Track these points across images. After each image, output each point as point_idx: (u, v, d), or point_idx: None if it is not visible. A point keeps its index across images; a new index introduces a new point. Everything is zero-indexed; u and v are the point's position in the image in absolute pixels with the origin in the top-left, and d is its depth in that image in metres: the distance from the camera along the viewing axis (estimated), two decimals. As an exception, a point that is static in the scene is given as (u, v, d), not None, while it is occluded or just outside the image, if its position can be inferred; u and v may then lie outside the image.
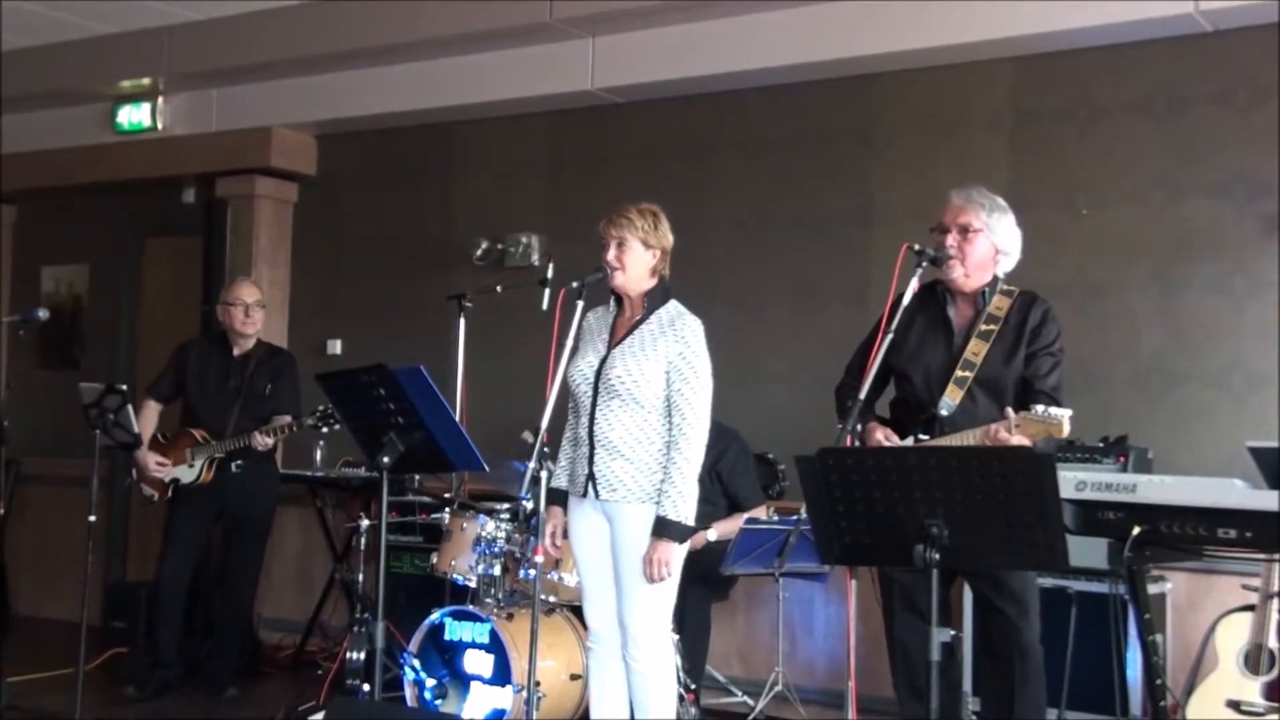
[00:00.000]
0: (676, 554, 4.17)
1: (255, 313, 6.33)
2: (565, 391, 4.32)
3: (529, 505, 5.12)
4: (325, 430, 6.02)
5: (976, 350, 4.18)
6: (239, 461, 6.17)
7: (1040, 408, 3.91)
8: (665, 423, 4.25)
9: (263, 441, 6.06)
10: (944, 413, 4.14)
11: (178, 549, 6.28)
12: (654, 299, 4.33)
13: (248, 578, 6.44)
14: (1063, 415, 3.86)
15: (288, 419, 6.13)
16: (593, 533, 4.32)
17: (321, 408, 5.93)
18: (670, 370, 4.22)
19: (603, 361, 4.29)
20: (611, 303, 4.43)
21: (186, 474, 6.19)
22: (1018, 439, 3.94)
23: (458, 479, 6.26)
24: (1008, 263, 4.31)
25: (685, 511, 4.16)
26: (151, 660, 6.29)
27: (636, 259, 4.29)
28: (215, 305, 6.72)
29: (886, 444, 4.16)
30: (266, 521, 6.49)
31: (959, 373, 4.16)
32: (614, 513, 4.24)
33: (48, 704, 5.66)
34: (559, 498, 4.40)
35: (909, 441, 4.17)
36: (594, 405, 4.27)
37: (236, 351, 6.35)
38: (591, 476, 4.25)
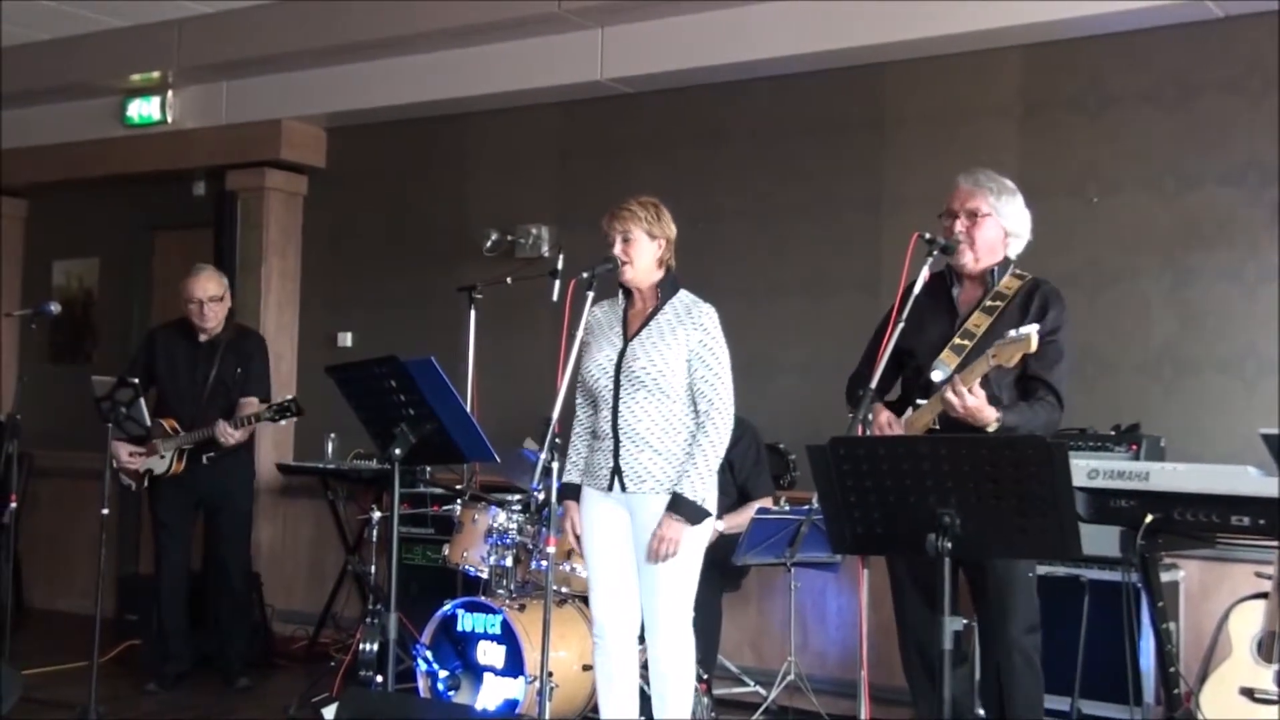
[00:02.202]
0: (688, 536, 4.17)
1: (210, 308, 6.19)
2: (574, 384, 4.32)
3: (540, 496, 5.14)
4: (282, 423, 6.00)
5: (979, 322, 4.16)
6: (210, 453, 6.13)
7: (1012, 332, 3.87)
8: (690, 411, 4.26)
9: (225, 432, 5.98)
10: (936, 376, 4.09)
11: (169, 542, 6.29)
12: (666, 289, 4.35)
13: (238, 567, 6.42)
14: (1029, 330, 3.82)
15: (251, 410, 6.05)
16: (610, 525, 4.32)
17: (279, 401, 5.91)
18: (692, 357, 4.23)
19: (621, 354, 4.29)
20: (620, 296, 4.43)
21: (158, 465, 6.16)
22: (975, 399, 3.90)
23: (469, 470, 6.27)
24: (1018, 244, 4.30)
25: (703, 494, 4.17)
26: (161, 653, 6.31)
27: (644, 250, 4.30)
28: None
29: (889, 427, 4.13)
30: (246, 510, 6.47)
31: (957, 340, 4.14)
32: (639, 504, 4.24)
33: (62, 696, 5.68)
34: (573, 492, 4.40)
35: (908, 412, 4.15)
36: (616, 398, 4.27)
37: (203, 338, 6.26)
38: (617, 469, 4.25)
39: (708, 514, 4.22)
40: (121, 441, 6.08)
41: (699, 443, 4.21)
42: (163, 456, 6.14)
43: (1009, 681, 4.12)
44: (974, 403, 3.92)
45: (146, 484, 6.24)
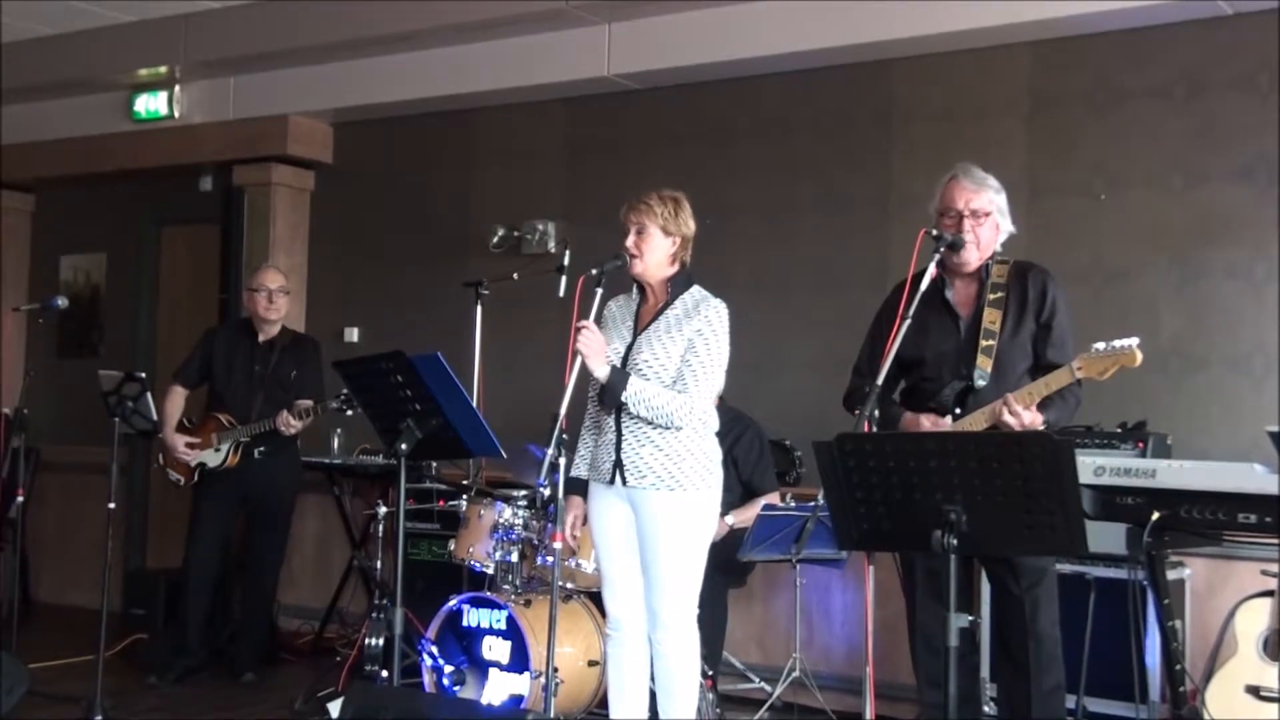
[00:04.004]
0: (596, 362, 4.16)
1: (279, 299, 6.36)
2: (584, 379, 4.32)
3: (546, 492, 5.14)
4: (350, 413, 6.03)
5: (993, 319, 4.19)
6: (262, 448, 6.20)
7: (1102, 344, 3.89)
8: None
9: (287, 421, 6.04)
10: (980, 383, 4.14)
11: (204, 536, 6.32)
12: (677, 285, 4.33)
13: (270, 565, 6.47)
14: (1131, 343, 3.85)
15: (309, 402, 6.12)
16: (616, 520, 4.31)
17: (343, 393, 5.94)
18: (686, 346, 4.22)
19: (629, 348, 4.29)
20: (634, 290, 4.42)
21: (212, 458, 6.22)
22: (1031, 415, 3.93)
23: (475, 466, 6.27)
24: (1003, 236, 4.34)
25: (633, 389, 4.14)
26: (176, 646, 6.33)
27: (655, 246, 4.28)
28: (234, 293, 6.74)
29: (935, 429, 4.14)
30: (288, 509, 6.51)
31: (984, 342, 4.17)
32: (641, 499, 4.23)
33: (69, 690, 5.69)
34: (579, 486, 4.40)
35: (947, 420, 4.15)
36: None
37: (261, 338, 6.39)
38: (619, 463, 4.25)
39: (618, 395, 4.16)
40: (178, 434, 6.24)
41: (669, 392, 4.17)
42: (218, 449, 6.22)
43: (1038, 672, 4.15)
44: (1030, 419, 3.98)
45: (196, 478, 6.29)
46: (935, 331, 4.27)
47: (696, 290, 4.34)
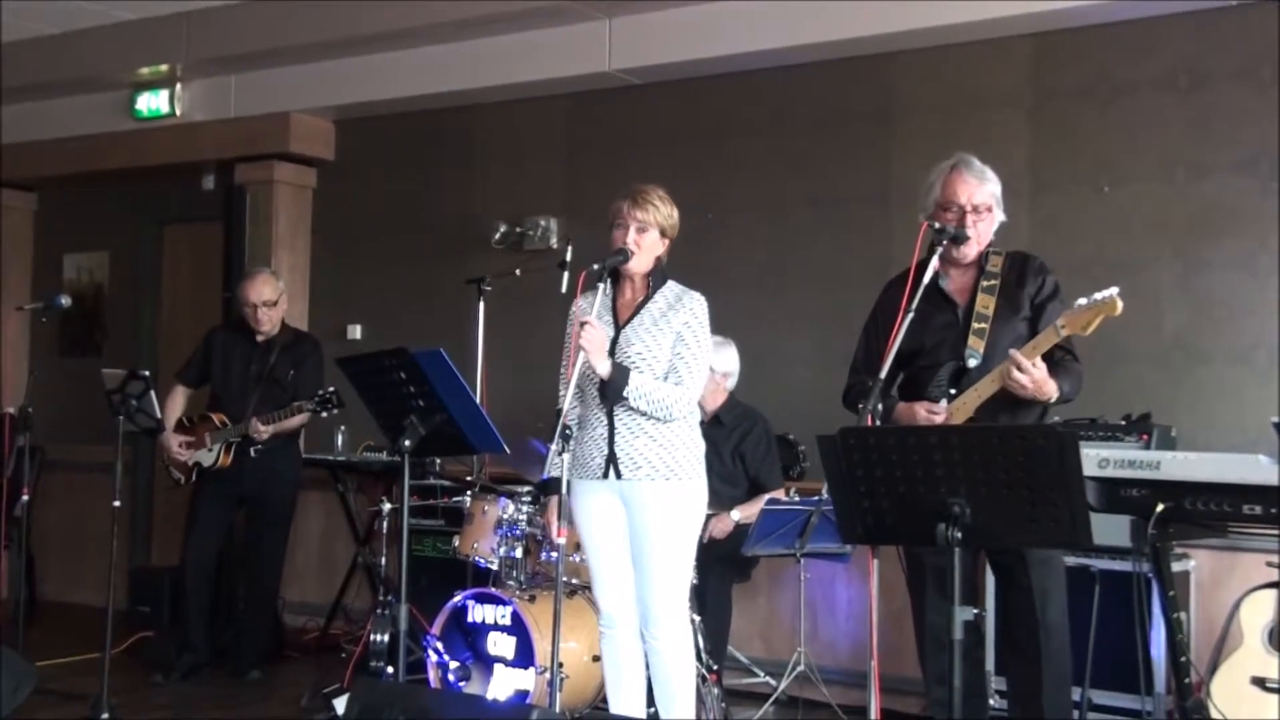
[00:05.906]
0: (599, 358, 4.14)
1: (265, 312, 6.30)
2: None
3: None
4: (324, 415, 6.03)
5: (985, 304, 4.21)
6: (258, 446, 6.20)
7: (1084, 299, 3.91)
8: None
9: (256, 429, 6.06)
10: (972, 363, 4.15)
11: (200, 534, 6.33)
12: (656, 279, 4.36)
13: (271, 562, 6.47)
14: (1111, 292, 3.87)
15: (303, 402, 6.11)
16: (605, 515, 4.31)
17: (321, 392, 5.96)
18: (675, 339, 4.24)
19: (614, 341, 4.29)
20: (608, 285, 4.35)
21: (206, 458, 6.23)
22: (1040, 370, 3.95)
23: (479, 462, 6.27)
24: (995, 225, 4.35)
25: (634, 384, 4.14)
26: (179, 644, 6.34)
27: (652, 244, 4.31)
28: (236, 291, 6.73)
29: (933, 418, 4.15)
30: (288, 506, 6.51)
31: (976, 325, 4.19)
32: (634, 491, 4.23)
33: (75, 687, 5.71)
34: (556, 487, 4.35)
35: (943, 404, 4.16)
36: None
37: (260, 337, 6.37)
38: (612, 457, 4.24)
39: (620, 392, 4.15)
40: (175, 434, 6.26)
41: (665, 385, 4.18)
42: (210, 450, 6.22)
43: (1049, 664, 4.15)
44: (1040, 374, 3.98)
45: (195, 477, 6.30)
46: (933, 321, 4.28)
47: (674, 284, 4.37)
